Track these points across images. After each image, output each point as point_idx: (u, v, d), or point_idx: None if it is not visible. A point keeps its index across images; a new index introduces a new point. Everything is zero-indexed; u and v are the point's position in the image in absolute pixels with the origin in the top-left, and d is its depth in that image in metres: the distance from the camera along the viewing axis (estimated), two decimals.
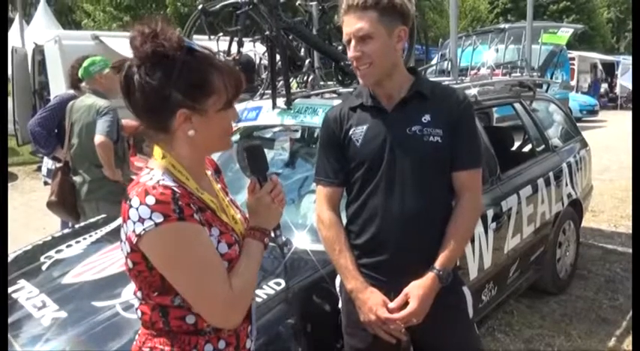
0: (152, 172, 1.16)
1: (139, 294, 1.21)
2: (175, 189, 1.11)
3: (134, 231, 1.09)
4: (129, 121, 4.11)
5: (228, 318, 1.18)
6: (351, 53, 1.58)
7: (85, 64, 3.51)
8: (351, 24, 1.55)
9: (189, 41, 1.14)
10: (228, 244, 1.19)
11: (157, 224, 1.07)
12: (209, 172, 1.33)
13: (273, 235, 1.31)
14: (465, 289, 1.77)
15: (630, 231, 5.05)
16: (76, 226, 3.07)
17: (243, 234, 1.27)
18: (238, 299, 1.18)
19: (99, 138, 3.31)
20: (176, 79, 1.10)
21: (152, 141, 1.21)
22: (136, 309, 1.23)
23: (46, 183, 4.27)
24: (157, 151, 1.20)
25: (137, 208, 1.08)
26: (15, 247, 2.64)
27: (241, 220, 1.31)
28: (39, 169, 9.02)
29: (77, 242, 2.53)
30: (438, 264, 1.60)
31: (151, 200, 1.08)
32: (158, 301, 1.18)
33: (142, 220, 1.07)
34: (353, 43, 1.56)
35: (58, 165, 3.66)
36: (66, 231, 3.02)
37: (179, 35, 1.12)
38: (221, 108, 1.16)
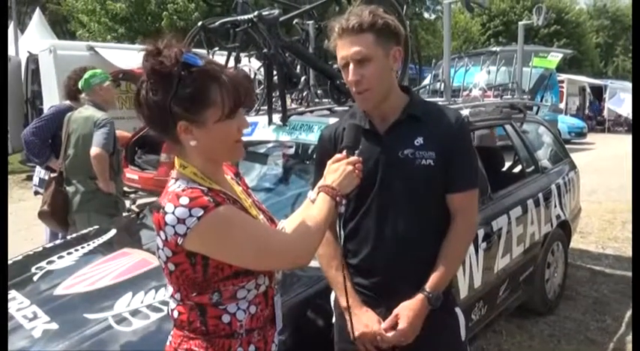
0: (178, 181, 1.23)
1: (177, 296, 1.28)
2: (203, 188, 1.20)
3: (176, 233, 1.15)
4: (122, 132, 4.13)
5: (304, 254, 1.30)
6: (350, 77, 1.55)
7: (86, 76, 3.53)
8: (348, 47, 1.54)
9: (191, 56, 1.18)
10: None
11: (199, 218, 1.14)
12: (228, 177, 1.39)
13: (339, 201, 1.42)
14: (458, 311, 1.77)
15: (617, 253, 5.12)
16: (68, 237, 3.06)
17: None
18: (302, 239, 1.29)
19: (95, 150, 3.31)
20: (174, 94, 1.16)
21: (172, 152, 1.28)
22: (172, 310, 1.30)
23: (36, 193, 4.24)
24: (178, 161, 1.27)
25: (173, 212, 1.15)
26: (8, 257, 2.62)
27: (264, 221, 1.37)
28: (28, 178, 8.97)
29: (69, 253, 2.52)
30: (428, 286, 1.60)
31: (184, 200, 1.15)
32: (197, 300, 1.25)
33: (182, 220, 1.14)
34: (351, 66, 1.54)
35: (52, 175, 3.65)
36: (57, 242, 3.01)
37: (178, 51, 1.17)
38: (219, 119, 1.20)
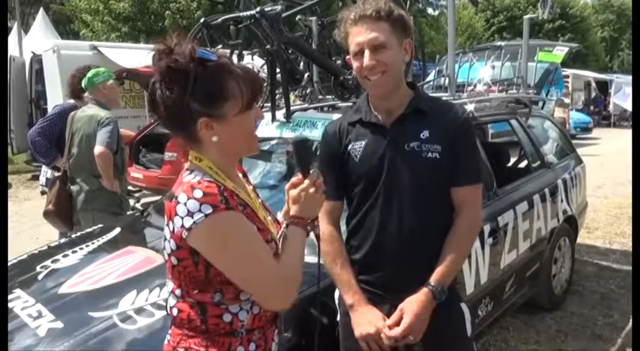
0: (194, 172, 1.22)
1: (177, 292, 1.25)
2: (219, 184, 1.19)
3: (182, 226, 1.14)
4: (126, 131, 4.13)
5: (283, 298, 1.26)
6: (365, 62, 1.55)
7: (89, 74, 3.53)
8: (364, 34, 1.54)
9: (204, 52, 1.18)
10: (265, 241, 1.24)
11: (206, 215, 1.12)
12: (240, 175, 1.38)
13: (310, 225, 1.37)
14: (464, 306, 1.76)
15: (625, 248, 5.08)
16: (73, 235, 3.06)
17: (274, 234, 1.32)
18: (289, 280, 1.25)
19: (99, 148, 3.32)
20: (192, 90, 1.15)
21: (185, 148, 1.27)
22: (172, 307, 1.27)
23: (43, 192, 4.25)
24: (192, 154, 1.26)
25: (185, 203, 1.14)
26: (8, 256, 2.62)
27: (272, 222, 1.35)
28: (33, 178, 9.00)
29: (74, 252, 2.52)
30: (432, 280, 1.60)
31: (198, 194, 1.14)
32: (198, 298, 1.22)
33: (191, 213, 1.13)
34: (367, 52, 1.54)
35: (57, 174, 3.66)
36: (62, 240, 3.01)
37: (191, 48, 1.17)
38: (239, 111, 1.20)
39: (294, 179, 1.38)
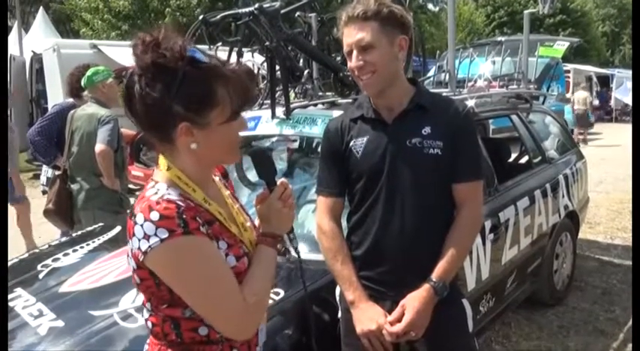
0: (157, 185, 1.13)
1: (148, 305, 1.18)
2: (180, 203, 1.09)
3: (139, 248, 1.06)
4: (126, 129, 4.13)
5: (243, 329, 1.17)
6: (353, 63, 1.57)
7: (89, 73, 3.53)
8: (352, 34, 1.56)
9: (194, 50, 1.09)
10: (236, 257, 1.16)
11: (162, 240, 1.04)
12: (217, 178, 1.30)
13: (287, 239, 1.30)
14: (465, 302, 1.76)
15: (626, 243, 5.07)
16: (73, 234, 3.06)
17: (253, 241, 1.25)
18: (253, 309, 1.15)
19: (100, 147, 3.32)
20: (177, 91, 1.05)
21: (156, 151, 1.18)
22: (146, 320, 1.21)
23: (44, 192, 4.25)
24: (162, 161, 1.16)
25: (142, 225, 1.06)
26: (9, 255, 2.62)
27: (251, 228, 1.28)
28: (34, 177, 9.00)
29: (74, 251, 2.52)
30: (434, 276, 1.60)
31: (155, 216, 1.05)
32: (168, 313, 1.15)
33: (147, 237, 1.05)
34: (355, 53, 1.56)
35: (58, 173, 3.66)
36: (63, 239, 3.01)
37: (182, 44, 1.07)
38: (225, 120, 1.11)
39: (258, 195, 1.29)
